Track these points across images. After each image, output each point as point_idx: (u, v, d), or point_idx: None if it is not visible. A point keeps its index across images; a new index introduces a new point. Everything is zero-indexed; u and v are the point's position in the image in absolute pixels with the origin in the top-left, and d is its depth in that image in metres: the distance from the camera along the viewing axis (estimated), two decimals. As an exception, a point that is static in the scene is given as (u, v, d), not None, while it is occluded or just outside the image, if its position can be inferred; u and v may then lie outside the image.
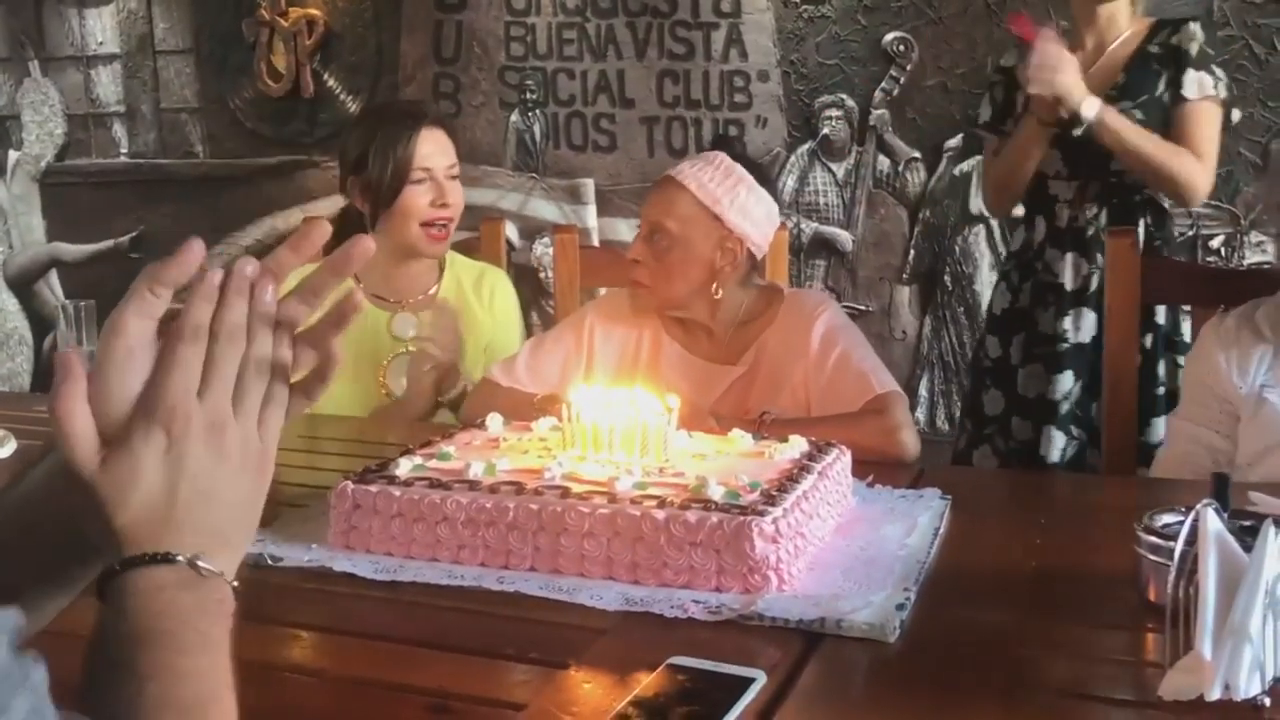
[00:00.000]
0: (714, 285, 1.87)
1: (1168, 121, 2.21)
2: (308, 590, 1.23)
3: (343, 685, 1.04)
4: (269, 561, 1.27)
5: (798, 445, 1.42)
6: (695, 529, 1.17)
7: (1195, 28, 2.25)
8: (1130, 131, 2.16)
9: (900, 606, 1.11)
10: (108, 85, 4.42)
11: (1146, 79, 2.24)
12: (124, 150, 4.43)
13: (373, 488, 1.30)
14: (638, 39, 3.66)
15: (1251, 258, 3.12)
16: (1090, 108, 2.14)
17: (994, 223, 3.36)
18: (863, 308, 3.49)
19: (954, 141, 3.37)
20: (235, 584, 0.66)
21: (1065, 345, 2.29)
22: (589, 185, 3.78)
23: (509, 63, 3.82)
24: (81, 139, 4.48)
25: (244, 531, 0.68)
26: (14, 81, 4.53)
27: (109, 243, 4.43)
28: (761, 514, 1.16)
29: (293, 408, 0.70)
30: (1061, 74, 2.14)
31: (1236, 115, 2.49)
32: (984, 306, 3.33)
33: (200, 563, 0.64)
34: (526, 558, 1.24)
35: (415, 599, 1.20)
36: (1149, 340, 2.22)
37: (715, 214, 1.84)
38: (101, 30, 4.38)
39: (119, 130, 4.42)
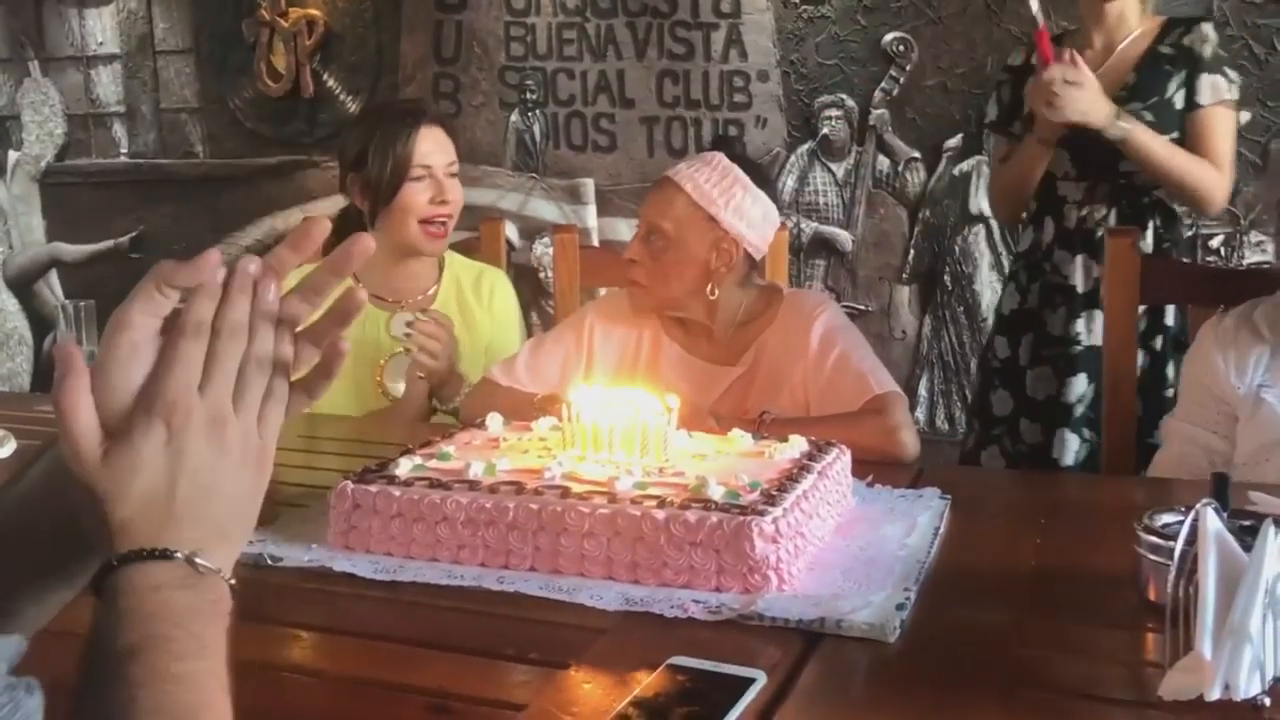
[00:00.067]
0: (709, 286, 1.87)
1: (1179, 124, 2.18)
2: (307, 590, 1.23)
3: (343, 685, 1.04)
4: (269, 561, 1.27)
5: (797, 445, 1.42)
6: (695, 529, 1.17)
7: (1208, 29, 2.21)
8: (1157, 146, 2.13)
9: (900, 606, 1.11)
10: (108, 85, 4.41)
11: (1158, 80, 2.19)
12: (124, 150, 4.42)
13: (372, 488, 1.30)
14: (637, 39, 3.66)
15: (1251, 258, 3.12)
16: (1118, 130, 2.10)
17: (994, 223, 3.36)
18: (862, 308, 3.49)
19: (954, 141, 3.37)
20: (232, 582, 0.66)
21: (1079, 348, 2.25)
22: (589, 185, 3.78)
23: (509, 63, 3.82)
24: (81, 139, 4.48)
25: (242, 526, 0.68)
26: (14, 81, 4.53)
27: (109, 243, 4.43)
28: (761, 514, 1.16)
29: (295, 404, 0.70)
30: (1079, 102, 2.09)
31: (1246, 116, 2.47)
32: (984, 306, 3.36)
33: (198, 560, 0.63)
34: (526, 558, 1.24)
35: (415, 599, 1.20)
36: (1159, 342, 2.20)
37: (711, 215, 1.84)
38: (101, 30, 4.38)
39: (119, 130, 4.42)
